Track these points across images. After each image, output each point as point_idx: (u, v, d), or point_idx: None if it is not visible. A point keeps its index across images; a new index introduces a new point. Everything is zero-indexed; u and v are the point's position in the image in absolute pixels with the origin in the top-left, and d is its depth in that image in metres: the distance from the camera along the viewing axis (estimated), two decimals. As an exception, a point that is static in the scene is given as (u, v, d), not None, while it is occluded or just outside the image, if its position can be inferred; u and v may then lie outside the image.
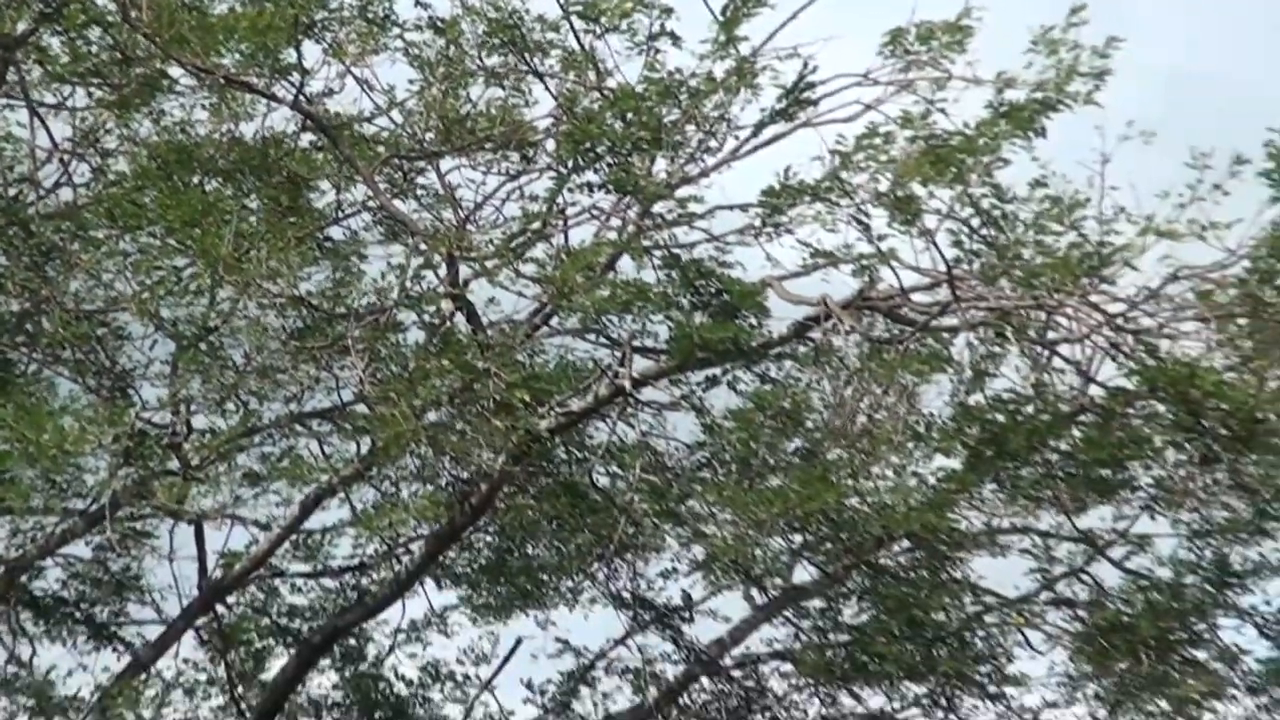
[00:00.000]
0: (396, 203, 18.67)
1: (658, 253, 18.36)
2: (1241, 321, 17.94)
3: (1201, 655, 20.76)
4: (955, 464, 18.88)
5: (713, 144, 18.21)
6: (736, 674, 21.23)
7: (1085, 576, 20.94)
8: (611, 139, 17.86)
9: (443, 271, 18.33)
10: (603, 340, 18.89)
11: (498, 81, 18.50)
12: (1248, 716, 21.25)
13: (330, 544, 21.14)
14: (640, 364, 18.47)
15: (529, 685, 21.75)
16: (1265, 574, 20.57)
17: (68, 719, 20.34)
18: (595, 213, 18.54)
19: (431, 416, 17.63)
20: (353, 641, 21.37)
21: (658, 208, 18.20)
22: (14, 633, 21.25)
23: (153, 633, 20.70)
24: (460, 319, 18.52)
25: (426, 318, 18.78)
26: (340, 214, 18.75)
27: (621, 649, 21.60)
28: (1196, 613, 20.61)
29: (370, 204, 18.70)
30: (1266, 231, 17.61)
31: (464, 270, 18.25)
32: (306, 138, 18.52)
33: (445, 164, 18.68)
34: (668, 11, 17.77)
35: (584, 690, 21.58)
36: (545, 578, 21.20)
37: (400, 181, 18.78)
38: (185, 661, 21.17)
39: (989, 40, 17.95)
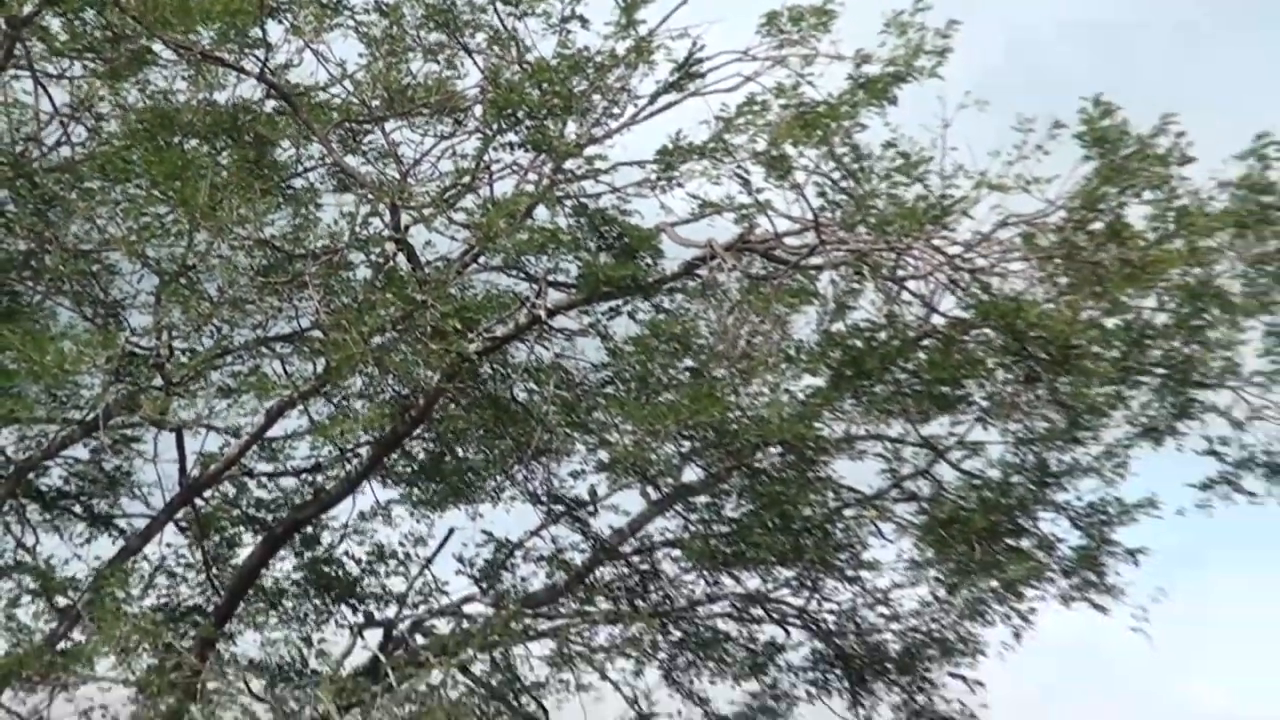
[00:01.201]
0: (347, 159, 18.63)
1: (568, 203, 18.75)
2: (1059, 262, 18.25)
3: (1024, 543, 20.85)
4: (820, 382, 19.23)
5: (615, 110, 18.38)
6: (634, 559, 21.28)
7: (928, 476, 21.00)
8: (530, 106, 18.00)
9: (387, 218, 18.46)
10: (522, 276, 18.96)
11: (433, 57, 18.52)
12: (1062, 594, 21.37)
13: (291, 448, 21.21)
14: (554, 296, 18.68)
15: (460, 559, 21.77)
16: (1077, 475, 20.66)
17: (66, 598, 20.34)
18: (516, 168, 18.70)
19: (377, 341, 17.65)
20: (310, 530, 21.34)
21: (569, 164, 18.40)
22: (21, 523, 21.25)
23: (140, 523, 20.72)
24: (402, 258, 18.63)
25: (373, 257, 18.83)
26: (299, 169, 18.67)
27: (537, 538, 21.64)
28: (1020, 508, 20.77)
29: (325, 160, 18.66)
30: (1080, 185, 17.93)
31: (404, 217, 18.38)
32: (270, 104, 18.43)
33: (389, 127, 18.66)
34: (577, -2, 17.97)
35: (505, 572, 21.60)
36: (473, 477, 21.21)
37: (350, 141, 18.74)
38: (168, 547, 21.17)
39: (849, 22, 18.15)
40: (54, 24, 18.52)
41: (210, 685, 17.96)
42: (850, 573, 21.64)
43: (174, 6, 17.48)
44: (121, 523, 21.35)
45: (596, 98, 18.18)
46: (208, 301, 18.45)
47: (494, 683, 20.76)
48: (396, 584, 21.81)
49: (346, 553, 21.93)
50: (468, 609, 21.11)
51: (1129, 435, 20.26)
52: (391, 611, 21.51)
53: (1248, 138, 18.45)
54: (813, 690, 22.38)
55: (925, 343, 19.11)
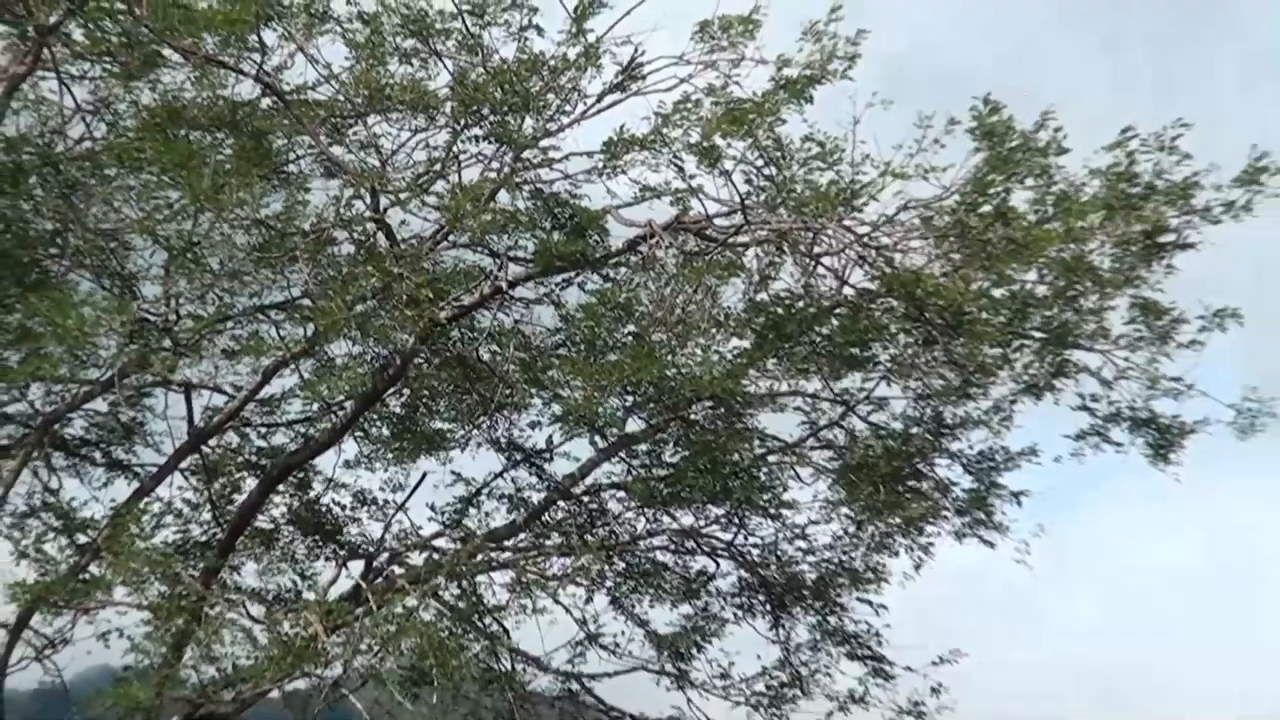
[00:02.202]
0: (333, 150, 18.62)
1: (526, 188, 18.87)
2: (952, 240, 18.49)
3: (923, 486, 21.06)
4: (746, 344, 19.31)
5: (567, 108, 18.49)
6: (584, 499, 21.37)
7: (840, 427, 21.10)
8: (492, 103, 18.16)
9: (367, 201, 18.57)
10: (486, 252, 19.10)
11: (409, 60, 18.62)
12: (955, 531, 21.52)
13: (285, 403, 21.27)
14: (514, 270, 18.92)
15: (430, 506, 21.78)
16: (969, 426, 20.79)
17: (86, 534, 20.39)
18: (480, 158, 18.73)
19: (359, 308, 17.81)
20: (302, 476, 21.39)
21: (527, 154, 18.54)
22: (47, 469, 21.26)
23: (153, 469, 20.75)
24: (381, 237, 18.70)
25: (355, 235, 18.96)
26: (290, 158, 18.67)
27: (499, 480, 21.73)
28: (919, 455, 20.92)
29: (313, 151, 18.72)
30: (971, 173, 18.15)
31: (383, 200, 18.50)
32: (266, 101, 18.49)
33: (370, 121, 18.68)
34: (534, 10, 18.06)
35: (471, 510, 21.64)
36: (443, 428, 21.34)
37: (335, 134, 18.75)
38: (178, 490, 21.23)
39: (772, 30, 18.29)
40: (76, 32, 18.57)
41: (213, 610, 18.02)
42: (772, 511, 21.63)
43: (181, 16, 17.57)
44: (136, 468, 21.37)
45: (551, 96, 18.31)
46: (210, 274, 18.57)
47: (461, 606, 20.71)
48: (377, 522, 21.88)
49: (331, 497, 21.98)
50: (438, 543, 21.12)
51: (1013, 392, 20.41)
52: (372, 546, 21.56)
53: (1115, 130, 18.77)
54: (739, 613, 22.43)
55: (837, 310, 19.32)
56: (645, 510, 21.53)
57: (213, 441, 21.06)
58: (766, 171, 18.44)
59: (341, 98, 18.59)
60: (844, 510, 21.69)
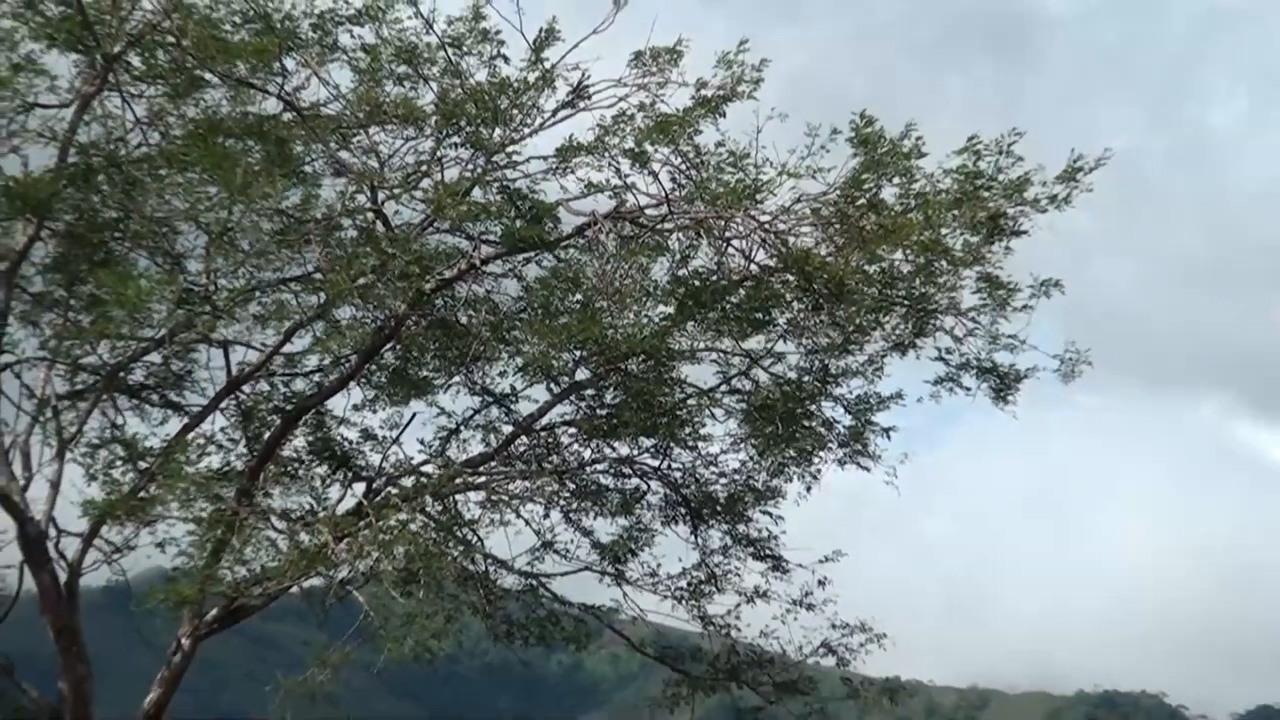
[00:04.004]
0: (340, 154, 18.80)
1: (495, 185, 18.91)
2: (835, 226, 18.64)
3: (812, 423, 21.06)
4: (670, 310, 19.40)
5: (528, 120, 18.64)
6: (542, 433, 21.39)
7: (747, 377, 21.15)
8: (468, 117, 18.33)
9: (368, 195, 18.78)
10: (463, 236, 19.20)
11: (401, 82, 18.79)
12: (838, 459, 21.52)
13: (302, 357, 21.26)
14: (485, 250, 18.97)
15: (421, 441, 21.81)
16: (849, 376, 20.81)
17: (145, 461, 20.47)
18: (458, 161, 18.94)
19: (361, 281, 17.83)
20: (316, 415, 21.42)
21: (496, 158, 18.69)
22: (114, 410, 21.33)
23: (198, 409, 20.83)
24: (379, 224, 18.92)
25: (358, 222, 19.14)
26: (306, 160, 18.74)
27: (474, 418, 21.74)
28: (810, 399, 20.91)
29: (324, 155, 18.84)
30: (850, 173, 18.35)
31: (380, 194, 18.69)
32: (286, 115, 18.67)
33: (370, 131, 18.82)
34: (501, 43, 18.27)
35: (452, 442, 21.78)
36: (429, 376, 21.33)
37: (342, 141, 18.90)
38: (218, 426, 21.18)
39: (692, 58, 18.45)
40: (135, 60, 18.66)
41: (246, 523, 18.12)
42: (691, 443, 21.69)
43: (219, 47, 17.76)
44: (184, 409, 21.36)
45: (515, 112, 18.52)
46: (242, 253, 18.60)
47: (443, 520, 20.73)
48: (376, 453, 21.91)
49: (341, 434, 22.00)
50: (425, 469, 21.11)
51: (883, 348, 20.44)
52: (372, 472, 21.64)
53: (964, 138, 19.02)
54: (664, 524, 22.45)
55: (744, 283, 19.41)
56: (590, 442, 21.52)
57: (245, 387, 21.00)
58: (687, 172, 18.59)
59: (347, 112, 18.74)
60: (749, 443, 21.64)
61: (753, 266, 19.29)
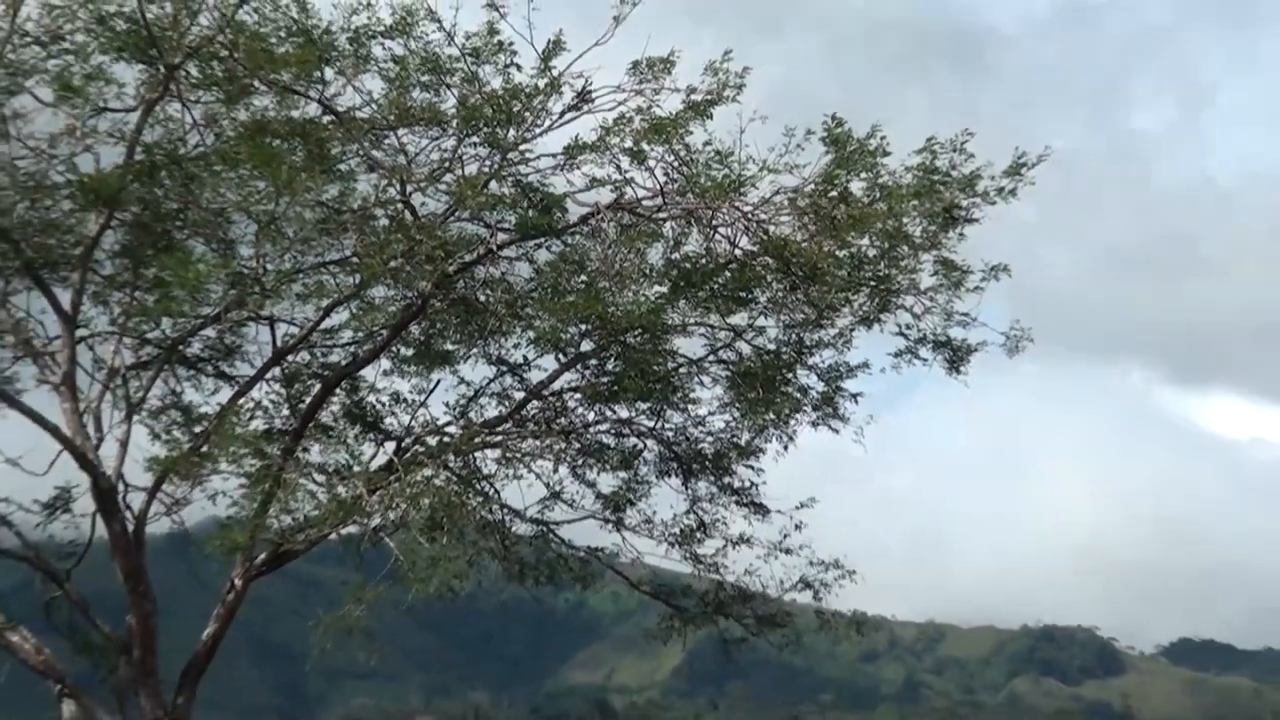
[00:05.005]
0: (374, 153, 18.85)
1: (510, 179, 18.95)
2: (810, 216, 18.64)
3: (789, 389, 20.98)
4: (664, 290, 19.43)
5: (538, 122, 18.65)
6: (551, 398, 21.32)
7: (731, 349, 21.01)
8: (485, 119, 18.35)
9: (397, 188, 18.80)
10: (482, 224, 19.21)
11: (427, 89, 18.80)
12: (812, 421, 21.45)
13: (339, 331, 21.19)
14: (501, 236, 18.99)
15: (445, 405, 21.78)
16: (821, 347, 20.78)
17: (201, 424, 20.55)
18: (477, 158, 18.92)
19: (392, 264, 17.90)
20: (351, 382, 21.39)
21: (510, 155, 18.72)
22: (175, 378, 21.40)
23: (247, 378, 20.86)
24: (407, 213, 18.94)
25: (389, 213, 19.13)
26: (343, 158, 18.80)
27: (491, 385, 21.60)
28: (787, 367, 20.87)
29: (359, 153, 18.87)
30: (822, 169, 18.37)
31: (409, 188, 18.74)
32: (325, 118, 18.70)
33: (400, 132, 18.86)
34: (514, 54, 18.23)
35: (471, 406, 21.74)
36: (451, 348, 21.31)
37: (375, 141, 18.92)
38: (265, 393, 21.18)
39: (683, 67, 18.45)
40: (193, 69, 18.70)
41: (290, 478, 18.23)
42: (682, 406, 21.66)
43: (266, 58, 17.83)
44: (236, 377, 21.34)
45: (527, 114, 18.53)
46: (287, 239, 18.64)
47: (464, 474, 20.81)
48: (405, 415, 21.89)
49: (374, 399, 22.02)
50: (448, 430, 21.14)
51: (851, 323, 20.37)
52: (402, 432, 21.63)
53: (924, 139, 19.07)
54: (659, 477, 22.41)
55: (729, 266, 19.39)
56: (594, 406, 21.49)
57: (289, 358, 21.01)
58: (679, 168, 18.55)
59: (379, 116, 18.75)
60: (733, 406, 21.58)
61: (737, 251, 19.26)
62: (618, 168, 18.72)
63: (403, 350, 21.40)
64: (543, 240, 19.52)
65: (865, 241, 19.22)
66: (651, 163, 18.55)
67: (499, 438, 20.93)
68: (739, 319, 20.46)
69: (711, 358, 21.16)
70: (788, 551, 21.85)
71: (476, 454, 21.03)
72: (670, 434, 22.00)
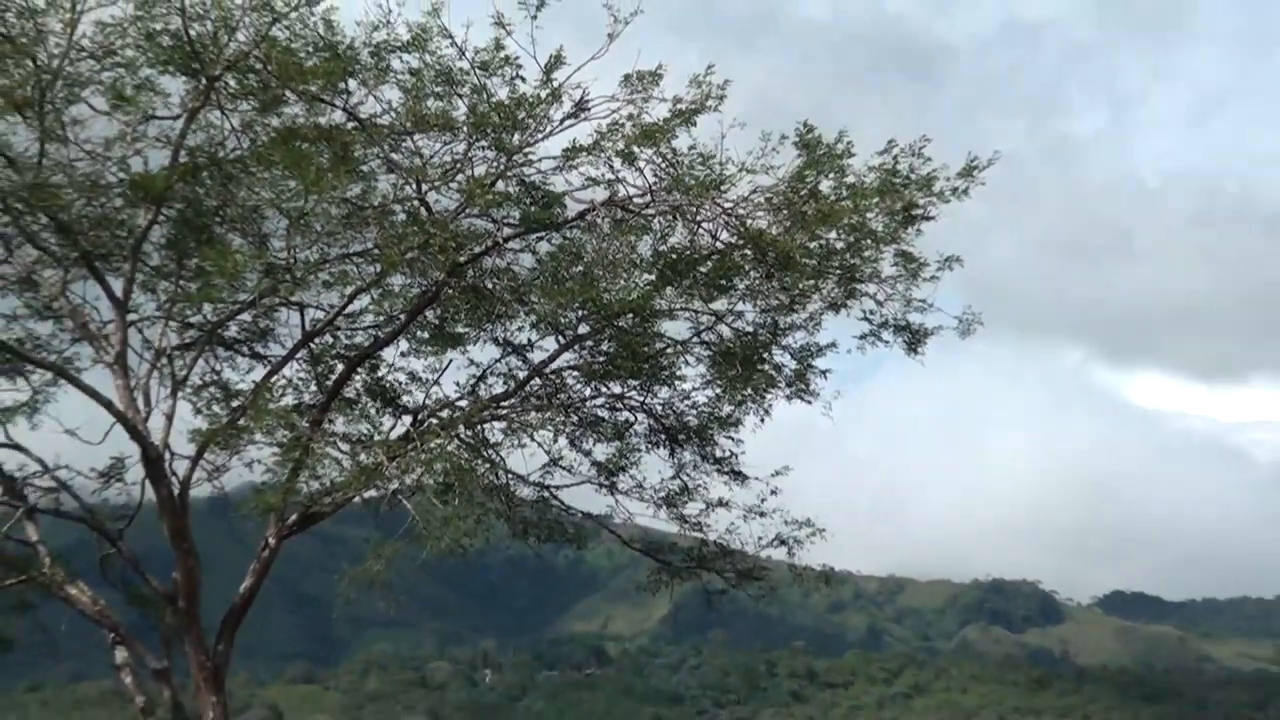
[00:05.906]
0: (392, 155, 18.81)
1: (514, 179, 18.90)
2: (784, 211, 18.67)
3: (765, 367, 20.86)
4: (653, 278, 19.33)
5: (540, 128, 18.56)
6: (551, 376, 21.13)
7: (713, 330, 20.81)
8: (492, 125, 18.29)
9: (414, 187, 18.79)
10: (489, 219, 19.13)
11: (440, 98, 18.75)
12: (786, 396, 21.23)
13: (361, 315, 21.13)
14: (506, 230, 18.99)
15: (456, 382, 21.67)
16: (793, 329, 20.58)
17: (238, 399, 20.57)
18: (485, 159, 18.80)
19: (409, 255, 17.95)
20: (373, 361, 21.32)
21: (515, 157, 18.66)
22: (215, 358, 21.38)
23: (279, 358, 20.86)
24: (422, 209, 18.94)
25: (406, 209, 19.09)
26: (365, 159, 18.75)
27: (498, 364, 21.36)
28: (763, 347, 20.80)
29: (379, 156, 18.86)
30: (794, 169, 18.39)
31: (424, 186, 18.72)
32: (349, 124, 18.65)
33: (416, 137, 18.79)
34: (519, 67, 18.15)
35: (480, 383, 21.66)
36: (462, 331, 21.17)
37: (393, 145, 18.88)
38: (295, 371, 21.16)
39: (670, 79, 18.39)
40: (231, 80, 18.71)
41: (317, 448, 18.29)
42: (669, 383, 21.54)
43: (296, 70, 17.81)
44: (269, 357, 21.33)
45: (530, 121, 18.46)
46: (315, 233, 18.69)
47: (473, 444, 20.72)
48: (420, 391, 21.88)
49: (393, 377, 21.98)
50: (460, 404, 21.05)
51: (821, 308, 20.29)
52: (417, 406, 21.62)
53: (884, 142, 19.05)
54: (648, 446, 22.20)
55: (711, 256, 19.36)
56: (589, 382, 21.42)
57: (316, 340, 20.99)
58: (666, 169, 18.53)
59: (397, 122, 18.69)
60: (715, 383, 21.41)
61: (718, 243, 19.24)
62: (611, 169, 18.66)
63: (419, 333, 21.30)
64: (544, 234, 19.49)
65: (833, 235, 19.16)
66: (641, 164, 18.51)
67: (505, 411, 20.85)
68: (720, 304, 20.38)
69: (695, 339, 21.07)
70: (763, 514, 21.78)
71: (484, 425, 20.95)
72: (658, 408, 21.86)
